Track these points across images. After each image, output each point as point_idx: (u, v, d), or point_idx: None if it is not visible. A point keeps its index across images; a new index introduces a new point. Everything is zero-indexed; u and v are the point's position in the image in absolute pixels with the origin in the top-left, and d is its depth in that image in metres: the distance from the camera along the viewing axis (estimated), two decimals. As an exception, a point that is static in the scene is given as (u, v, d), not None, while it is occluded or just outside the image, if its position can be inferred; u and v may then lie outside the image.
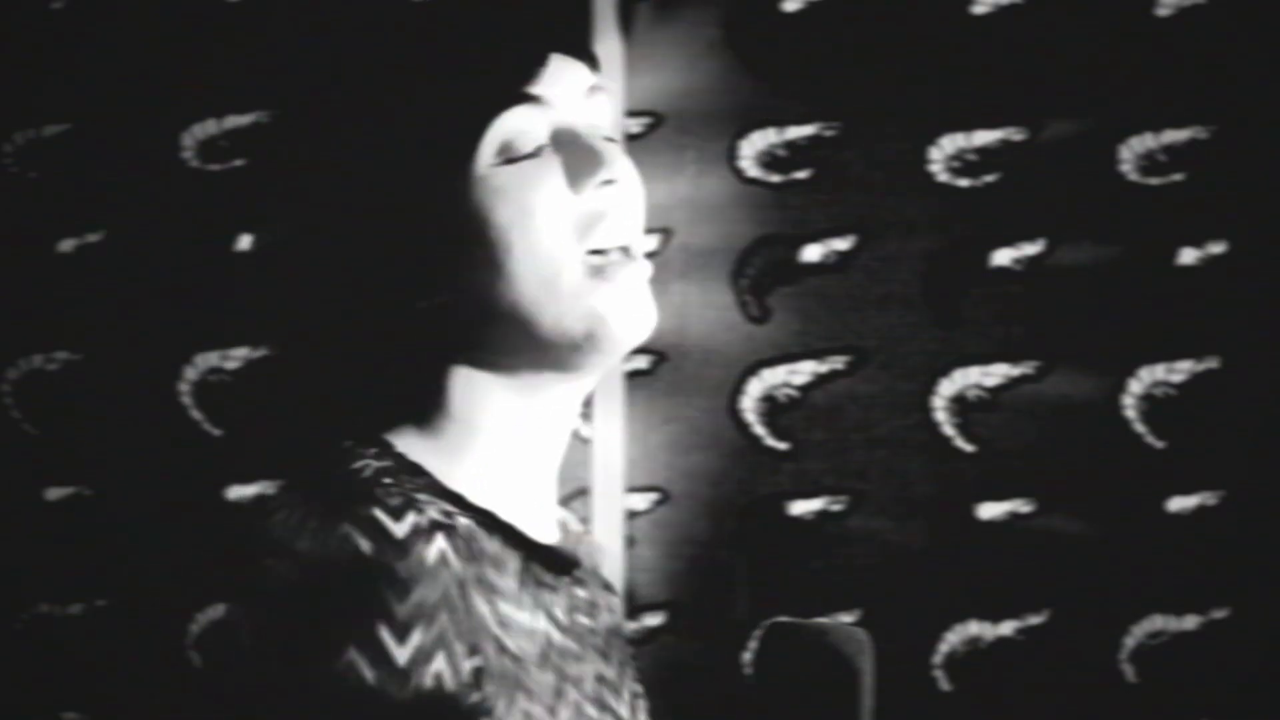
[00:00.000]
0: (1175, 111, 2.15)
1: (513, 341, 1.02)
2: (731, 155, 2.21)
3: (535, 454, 1.06)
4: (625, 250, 1.03)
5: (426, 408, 1.04)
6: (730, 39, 2.21)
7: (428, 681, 0.89)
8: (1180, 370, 2.14)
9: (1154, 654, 2.12)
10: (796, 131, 2.21)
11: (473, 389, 1.03)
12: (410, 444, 1.02)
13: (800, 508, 2.19)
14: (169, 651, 2.23)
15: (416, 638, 0.89)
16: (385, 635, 0.88)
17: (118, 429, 2.27)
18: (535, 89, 1.03)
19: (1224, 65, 2.14)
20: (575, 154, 1.02)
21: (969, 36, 2.18)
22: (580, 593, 1.08)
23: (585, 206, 1.02)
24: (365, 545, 0.89)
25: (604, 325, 1.01)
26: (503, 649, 0.95)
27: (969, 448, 2.17)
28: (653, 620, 2.20)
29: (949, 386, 2.18)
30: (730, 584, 2.19)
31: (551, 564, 1.05)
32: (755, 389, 2.20)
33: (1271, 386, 2.12)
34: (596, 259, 1.02)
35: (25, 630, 2.28)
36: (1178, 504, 2.13)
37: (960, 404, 2.17)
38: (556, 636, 1.02)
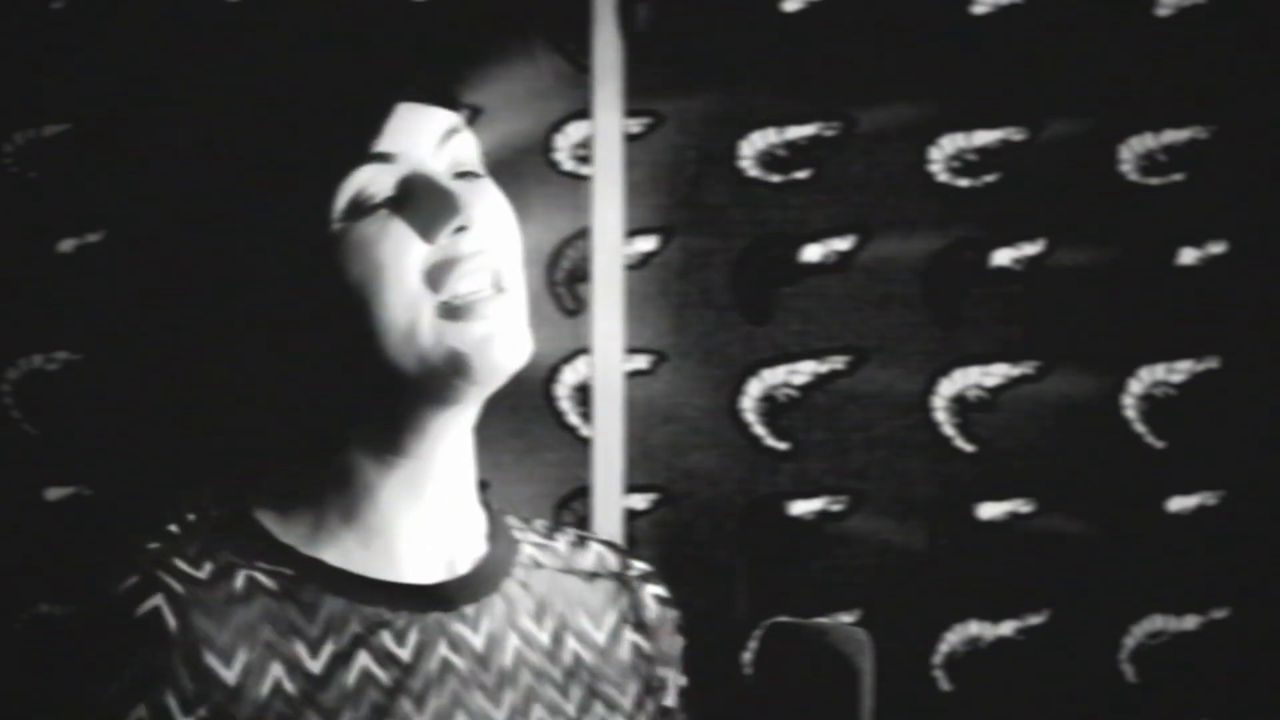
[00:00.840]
0: (1175, 111, 2.15)
1: (387, 395, 1.03)
2: (731, 155, 2.21)
3: (425, 485, 1.07)
4: (495, 285, 1.03)
5: (303, 460, 1.07)
6: (730, 39, 2.21)
7: None
8: (1180, 370, 2.14)
9: (1154, 654, 2.12)
10: (796, 131, 2.21)
11: (351, 447, 1.05)
12: (273, 507, 1.06)
13: (800, 508, 2.19)
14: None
15: (116, 686, 0.98)
16: (84, 685, 0.99)
17: (118, 429, 2.27)
18: (380, 145, 1.02)
19: (1224, 65, 2.14)
20: (425, 203, 1.01)
21: (969, 36, 2.18)
22: (458, 628, 1.07)
23: (438, 255, 1.01)
24: (87, 602, 1.03)
25: (466, 362, 1.01)
26: (277, 692, 1.00)
27: (969, 448, 2.17)
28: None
29: (949, 386, 2.18)
30: (730, 584, 2.19)
31: (405, 604, 1.05)
32: (755, 389, 2.20)
33: (1271, 386, 2.12)
34: (455, 301, 1.01)
35: (25, 630, 2.27)
36: (1178, 504, 2.13)
37: (960, 404, 2.17)
38: (383, 675, 1.03)
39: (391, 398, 1.03)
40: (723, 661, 2.17)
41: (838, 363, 2.19)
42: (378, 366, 1.02)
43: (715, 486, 2.19)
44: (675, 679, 1.20)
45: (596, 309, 2.16)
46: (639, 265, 2.20)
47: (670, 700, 1.17)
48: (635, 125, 2.21)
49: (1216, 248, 2.14)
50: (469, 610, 1.08)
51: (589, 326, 2.16)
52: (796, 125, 2.21)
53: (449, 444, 1.07)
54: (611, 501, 2.17)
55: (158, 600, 0.99)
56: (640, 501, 2.19)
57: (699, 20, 2.22)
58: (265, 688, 0.99)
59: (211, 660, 0.99)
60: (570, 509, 2.20)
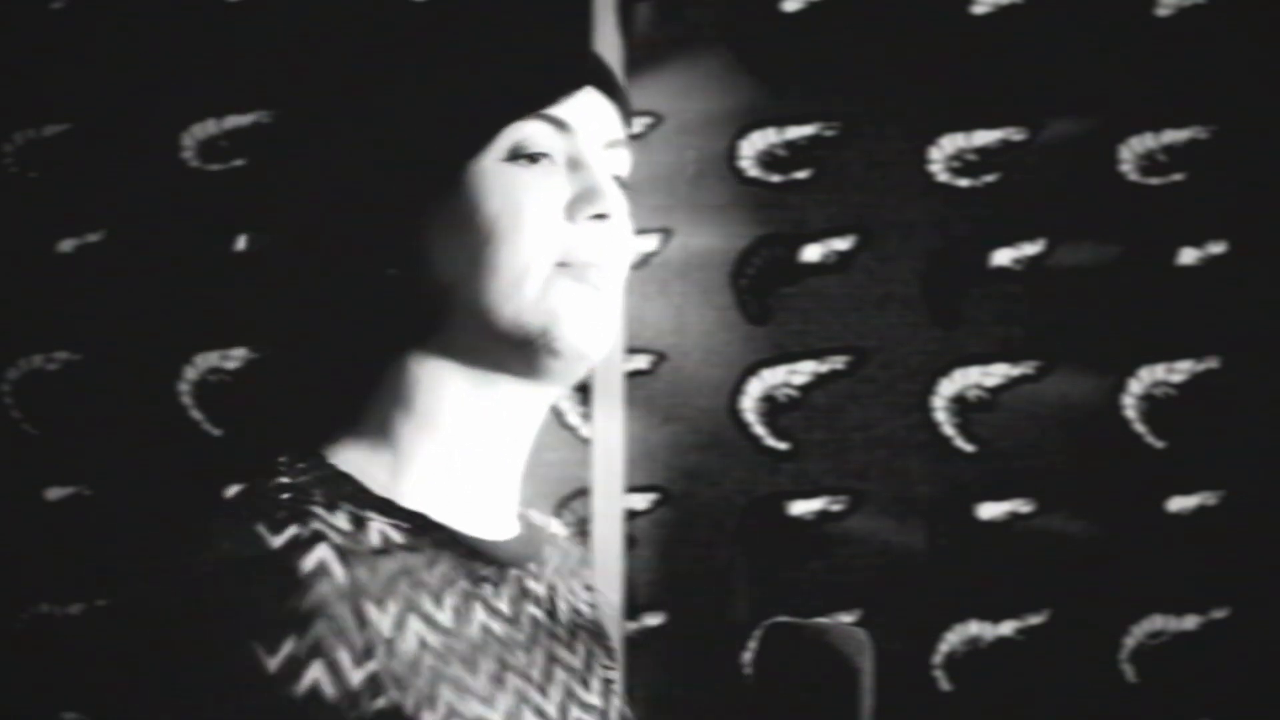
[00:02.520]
0: (1175, 111, 2.15)
1: (471, 332, 1.04)
2: (731, 155, 2.22)
3: (493, 451, 1.08)
4: (605, 267, 1.05)
5: (383, 403, 1.06)
6: (730, 39, 2.22)
7: (302, 689, 0.91)
8: (1180, 370, 2.14)
9: (1154, 654, 2.12)
10: (796, 131, 2.21)
11: (431, 376, 1.05)
12: (349, 453, 1.04)
13: (800, 508, 2.19)
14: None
15: (288, 646, 0.91)
16: (256, 645, 0.91)
17: (118, 429, 2.27)
18: (559, 112, 1.05)
19: (1224, 65, 2.14)
20: (578, 182, 1.05)
21: (969, 36, 2.18)
22: (532, 585, 1.09)
23: (571, 232, 1.04)
24: (243, 556, 0.93)
25: (559, 325, 1.03)
26: (424, 645, 0.97)
27: (969, 448, 2.17)
28: (653, 620, 2.20)
29: (949, 386, 2.18)
30: (730, 584, 2.19)
31: (494, 559, 1.06)
32: (755, 389, 2.20)
33: (1271, 386, 2.12)
34: (574, 261, 1.03)
35: (25, 630, 2.28)
36: (1178, 504, 2.13)
37: (960, 404, 2.17)
38: (497, 628, 1.03)
39: (469, 347, 1.04)
40: (723, 661, 2.17)
41: (838, 363, 2.19)
42: (475, 308, 1.02)
43: (715, 486, 2.20)
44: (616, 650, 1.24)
45: (596, 309, 2.16)
46: (639, 265, 2.20)
47: (616, 672, 1.20)
48: (635, 125, 2.21)
49: (1216, 248, 2.14)
50: (532, 567, 1.11)
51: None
52: (796, 125, 2.21)
53: (530, 416, 1.09)
54: (611, 501, 2.17)
55: (323, 552, 0.94)
56: (640, 501, 2.19)
57: (699, 20, 2.22)
58: (412, 641, 0.97)
59: (373, 612, 0.96)
60: (570, 509, 2.20)
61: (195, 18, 2.28)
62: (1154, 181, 2.15)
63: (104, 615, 2.27)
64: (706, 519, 2.19)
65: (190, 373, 2.27)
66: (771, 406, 2.20)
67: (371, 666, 0.93)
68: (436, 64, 1.06)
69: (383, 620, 0.95)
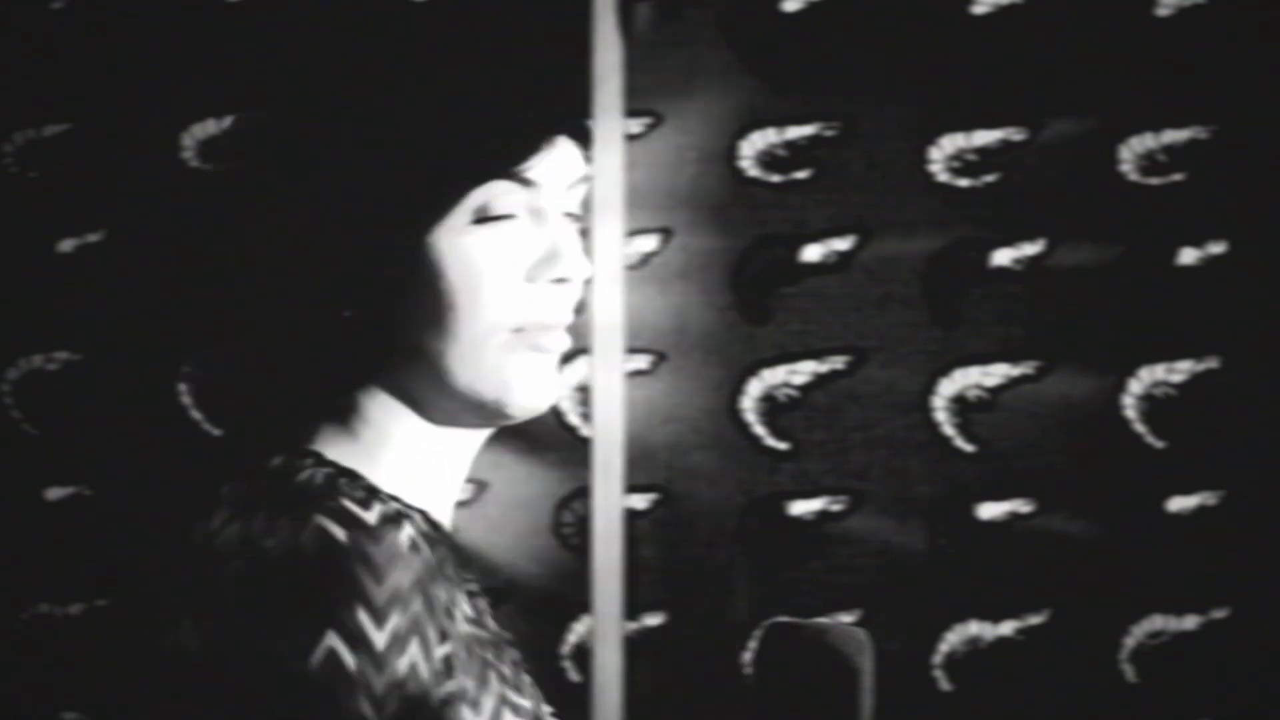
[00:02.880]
0: (1175, 111, 2.15)
1: (425, 386, 1.04)
2: (731, 155, 2.21)
3: (441, 466, 1.08)
4: (553, 333, 1.05)
5: (343, 414, 1.06)
6: (730, 39, 2.21)
7: (403, 666, 0.91)
8: (1180, 370, 2.14)
9: (1154, 654, 2.12)
10: (796, 131, 2.21)
11: (387, 404, 1.06)
12: (334, 453, 1.04)
13: (800, 508, 2.19)
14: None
15: (394, 621, 0.91)
16: (364, 619, 0.90)
17: (118, 429, 2.27)
18: (529, 171, 1.03)
19: (1224, 65, 2.14)
20: (541, 244, 1.04)
21: (969, 36, 2.18)
22: (476, 589, 1.10)
23: (531, 294, 1.04)
24: (341, 534, 0.92)
25: (511, 394, 1.03)
26: (459, 635, 0.98)
27: (969, 448, 2.17)
28: (653, 620, 2.20)
29: (949, 386, 2.18)
30: (730, 584, 2.19)
31: (462, 564, 1.08)
32: (755, 389, 2.20)
33: (1271, 386, 2.12)
34: (524, 334, 1.04)
35: (25, 630, 2.28)
36: (1178, 504, 2.13)
37: (960, 404, 2.17)
38: (471, 629, 1.03)
39: (434, 404, 1.05)
40: (723, 661, 2.17)
41: (838, 363, 2.19)
42: (432, 367, 1.03)
43: (715, 486, 2.19)
44: None
45: (596, 309, 2.16)
46: (639, 265, 2.20)
47: None
48: (635, 125, 2.21)
49: (1216, 248, 2.14)
50: (470, 576, 1.11)
51: (589, 326, 2.17)
52: (796, 125, 2.21)
53: (471, 442, 1.10)
54: (611, 501, 2.17)
55: (411, 529, 0.95)
56: (640, 501, 2.19)
57: (699, 20, 2.22)
58: (460, 624, 0.98)
59: (441, 593, 0.96)
60: (570, 509, 2.20)
61: (195, 18, 2.28)
62: (1154, 181, 2.15)
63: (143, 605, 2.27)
64: (706, 519, 2.19)
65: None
66: (771, 406, 2.20)
67: (448, 647, 0.94)
68: (403, 125, 1.04)
69: (444, 602, 0.96)
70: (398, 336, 1.03)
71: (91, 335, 2.28)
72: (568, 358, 1.08)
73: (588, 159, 1.10)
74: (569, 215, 1.07)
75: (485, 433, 1.10)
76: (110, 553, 2.26)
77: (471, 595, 1.06)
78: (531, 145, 1.04)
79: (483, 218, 1.03)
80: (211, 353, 1.14)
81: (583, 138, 1.08)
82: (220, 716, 0.92)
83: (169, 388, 2.27)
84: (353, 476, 1.01)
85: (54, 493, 2.28)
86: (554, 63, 1.11)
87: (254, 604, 0.92)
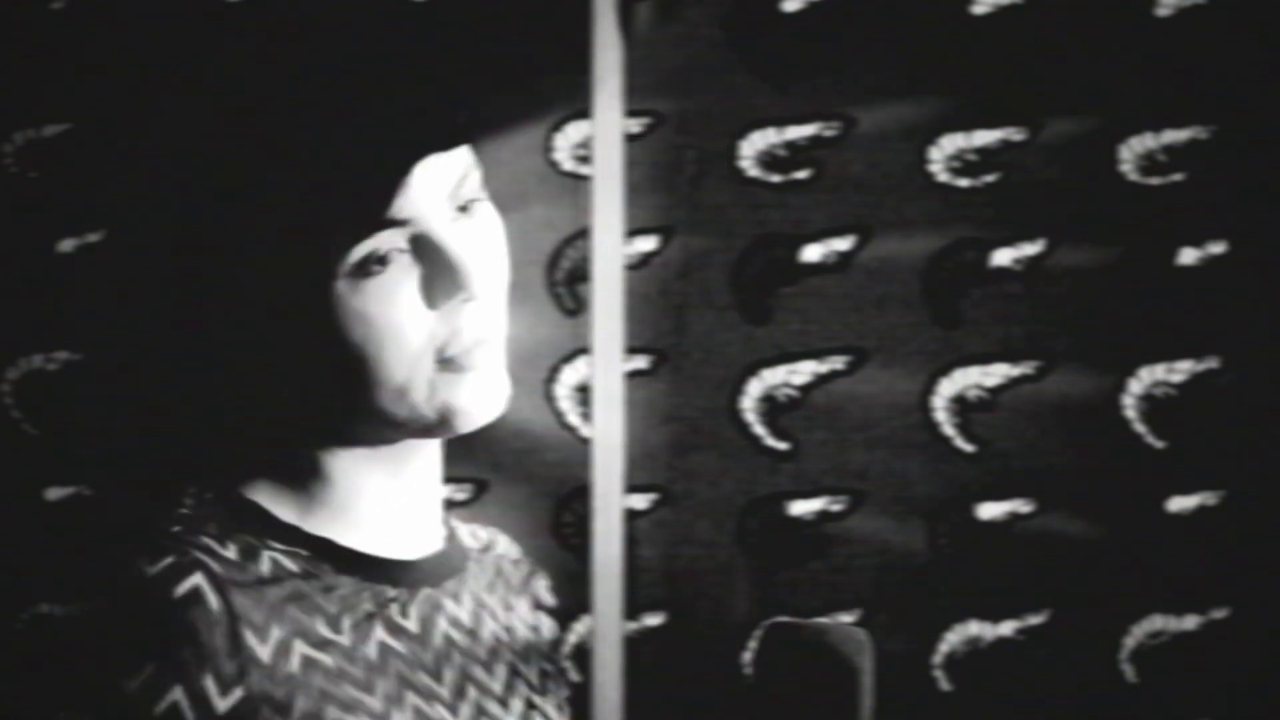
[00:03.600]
0: (1175, 111, 2.15)
1: (371, 427, 1.06)
2: (731, 155, 2.21)
3: (404, 485, 1.10)
4: (484, 341, 1.05)
5: (288, 460, 1.09)
6: (730, 39, 2.21)
7: (160, 710, 0.96)
8: (1180, 370, 2.14)
9: (1154, 654, 2.12)
10: (796, 131, 2.21)
11: (337, 456, 1.08)
12: (266, 483, 1.08)
13: (800, 508, 2.19)
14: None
15: (149, 670, 0.96)
16: (116, 667, 0.97)
17: (118, 429, 2.27)
18: (396, 211, 1.01)
19: (1224, 65, 2.14)
20: (435, 272, 1.02)
21: (969, 36, 2.18)
22: (449, 603, 1.11)
23: (441, 321, 1.03)
24: (120, 583, 1.00)
25: (454, 414, 1.05)
26: (313, 666, 1.00)
27: (969, 448, 2.17)
28: (653, 620, 2.20)
29: (949, 386, 2.18)
30: (730, 584, 2.19)
31: (403, 579, 1.08)
32: (755, 389, 2.20)
33: (1271, 386, 2.12)
34: (451, 355, 1.04)
35: (25, 630, 2.27)
36: (1178, 504, 2.13)
37: (960, 404, 2.17)
38: (400, 646, 1.05)
39: (378, 432, 1.07)
40: (723, 661, 2.17)
41: (838, 363, 2.19)
42: (368, 412, 1.04)
43: (715, 486, 2.19)
44: (568, 670, 1.26)
45: (596, 309, 2.16)
46: (639, 265, 2.20)
47: (565, 692, 1.21)
48: (635, 125, 2.21)
49: (1216, 248, 2.14)
50: (450, 585, 1.12)
51: (589, 326, 2.17)
52: (796, 125, 2.21)
53: (429, 448, 1.12)
54: (611, 501, 2.17)
55: (197, 579, 0.98)
56: (640, 501, 2.19)
57: (699, 20, 2.22)
58: (296, 663, 1.00)
59: (250, 638, 0.99)
60: (570, 509, 2.20)
61: (195, 18, 2.28)
62: (1154, 181, 2.15)
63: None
64: (706, 519, 2.19)
65: (190, 373, 2.27)
66: (771, 406, 2.20)
67: (240, 692, 0.97)
68: (268, 196, 1.03)
69: (262, 646, 0.99)
70: (333, 404, 1.05)
71: (91, 335, 2.28)
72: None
73: (473, 141, 1.06)
74: (463, 207, 1.05)
75: (432, 447, 1.11)
76: (110, 553, 2.26)
77: (430, 606, 1.08)
78: (390, 186, 1.01)
79: (364, 269, 1.01)
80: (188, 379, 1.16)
81: (449, 143, 1.04)
82: None
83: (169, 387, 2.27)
84: (239, 511, 1.05)
85: (54, 493, 2.28)
86: (409, 75, 1.07)
87: (61, 636, 1.05)
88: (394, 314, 1.02)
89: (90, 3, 2.29)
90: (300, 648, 1.01)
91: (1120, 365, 2.14)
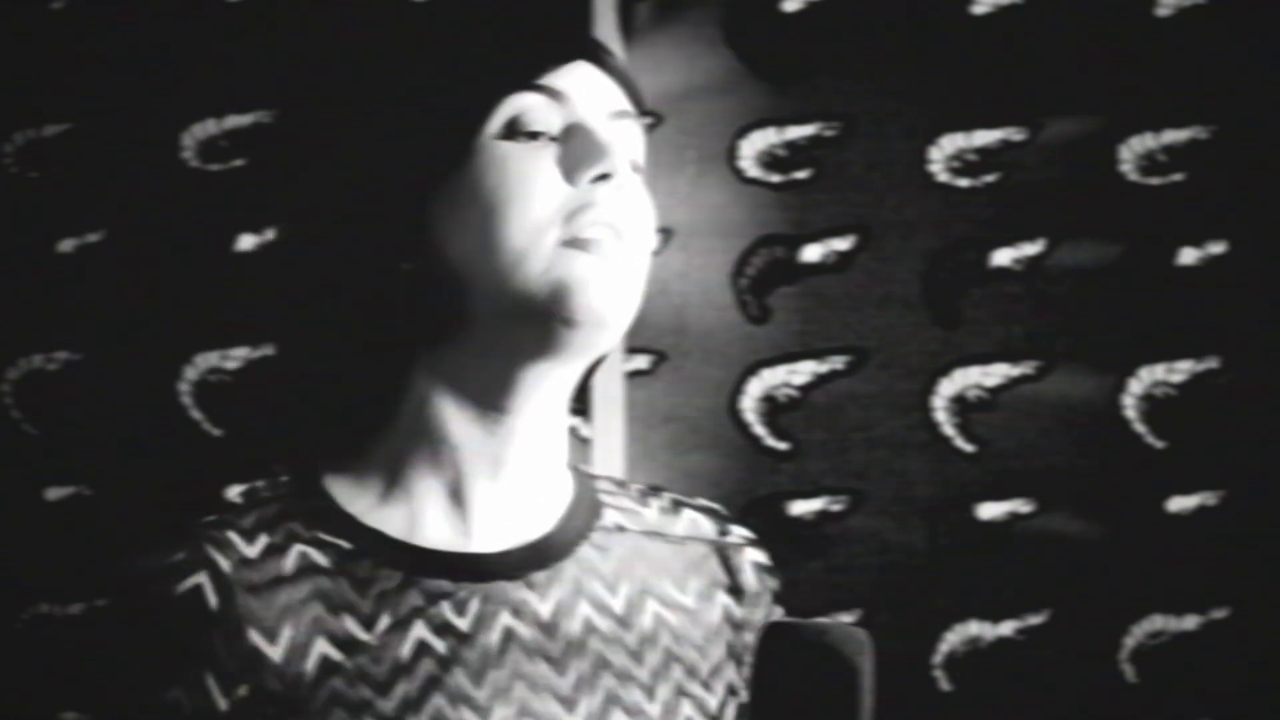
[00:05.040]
0: (1175, 111, 2.15)
1: (483, 323, 1.04)
2: (731, 155, 2.21)
3: (502, 464, 1.07)
4: (617, 235, 1.04)
5: (389, 418, 1.07)
6: (730, 39, 2.21)
7: (164, 705, 0.98)
8: (1180, 370, 2.14)
9: (1154, 654, 2.12)
10: (796, 131, 2.21)
11: (439, 394, 1.06)
12: (345, 469, 1.06)
13: (800, 508, 2.19)
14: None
15: (150, 666, 0.98)
16: (130, 662, 0.99)
17: (118, 429, 2.27)
18: (553, 82, 1.04)
19: (1224, 65, 2.14)
20: (577, 145, 1.04)
21: (969, 36, 2.18)
22: (526, 596, 1.07)
23: (575, 197, 1.03)
24: (131, 579, 1.01)
25: (569, 295, 1.02)
26: (330, 666, 1.00)
27: (969, 448, 2.17)
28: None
29: (949, 386, 2.18)
30: (730, 584, 2.19)
31: (465, 573, 1.05)
32: (755, 389, 2.20)
33: (1271, 386, 2.12)
34: (579, 235, 1.03)
35: (25, 630, 2.27)
36: (1178, 504, 2.13)
37: (960, 404, 2.17)
38: (440, 645, 1.03)
39: (484, 338, 1.04)
40: (723, 661, 2.17)
41: (838, 363, 2.19)
42: (481, 289, 1.02)
43: (715, 486, 2.19)
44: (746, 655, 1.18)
45: (596, 309, 2.16)
46: (639, 265, 2.20)
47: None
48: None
49: (1216, 248, 2.14)
50: (539, 577, 1.08)
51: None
52: (796, 125, 2.21)
53: (540, 403, 1.08)
54: (611, 501, 2.17)
55: (200, 578, 0.99)
56: (640, 501, 2.19)
57: (699, 20, 2.22)
58: (312, 663, 0.99)
59: (256, 638, 0.99)
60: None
61: (195, 18, 2.28)
62: (1154, 181, 2.15)
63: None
64: (706, 519, 2.19)
65: (190, 373, 2.27)
66: (771, 406, 2.20)
67: (243, 691, 0.97)
68: (426, 48, 1.06)
69: (272, 646, 0.99)
70: (453, 278, 1.03)
71: (91, 335, 2.28)
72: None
73: (635, 104, 1.10)
74: (626, 159, 1.06)
75: (553, 405, 1.09)
76: (110, 553, 2.26)
77: (503, 602, 1.05)
78: (551, 55, 1.05)
79: (515, 131, 1.03)
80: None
81: (616, 74, 1.09)
82: None
83: (169, 388, 2.27)
84: (304, 498, 1.05)
85: (54, 493, 2.28)
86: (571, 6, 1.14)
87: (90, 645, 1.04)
88: (530, 169, 1.02)
89: (90, 3, 2.29)
90: (320, 647, 1.00)
91: (1120, 365, 2.14)
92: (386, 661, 1.01)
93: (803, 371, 2.20)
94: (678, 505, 1.20)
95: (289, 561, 1.02)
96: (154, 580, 0.99)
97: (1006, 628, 2.15)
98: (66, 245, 2.29)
